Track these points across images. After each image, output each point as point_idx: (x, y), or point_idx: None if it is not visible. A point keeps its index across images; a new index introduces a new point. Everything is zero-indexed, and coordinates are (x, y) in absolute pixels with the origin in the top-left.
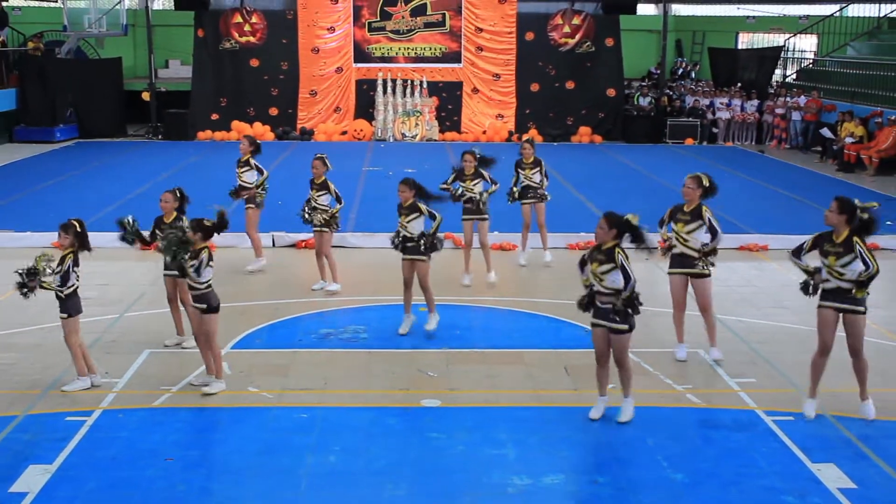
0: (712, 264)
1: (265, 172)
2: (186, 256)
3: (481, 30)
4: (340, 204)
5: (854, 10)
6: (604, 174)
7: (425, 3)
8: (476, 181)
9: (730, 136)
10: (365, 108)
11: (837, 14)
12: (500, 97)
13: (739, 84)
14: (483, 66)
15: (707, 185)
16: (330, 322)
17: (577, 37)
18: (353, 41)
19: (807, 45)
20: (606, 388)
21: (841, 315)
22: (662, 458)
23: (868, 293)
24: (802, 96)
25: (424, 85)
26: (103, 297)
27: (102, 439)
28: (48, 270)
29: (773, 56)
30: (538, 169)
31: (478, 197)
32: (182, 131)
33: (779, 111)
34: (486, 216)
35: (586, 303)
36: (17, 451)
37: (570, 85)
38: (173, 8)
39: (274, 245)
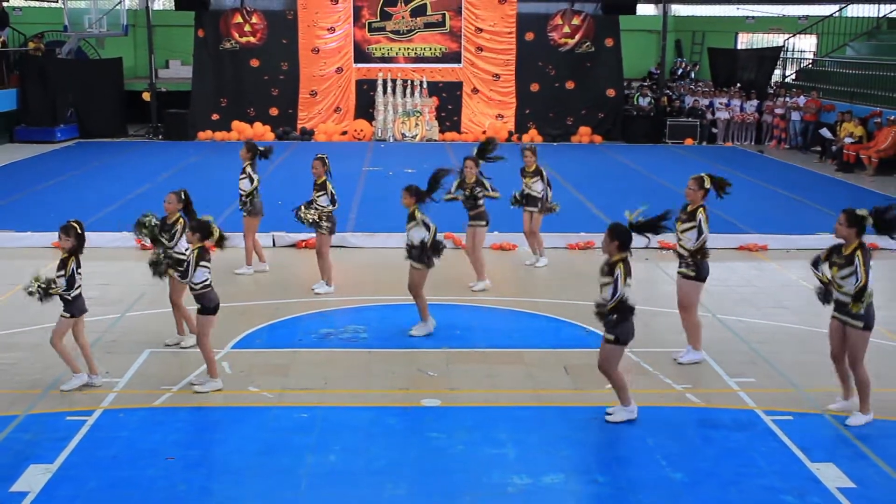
0: (693, 266)
1: (254, 181)
2: (159, 274)
3: (481, 30)
4: (334, 206)
5: (853, 11)
6: (603, 174)
7: (425, 4)
8: (478, 189)
9: (729, 137)
10: (365, 108)
11: (837, 14)
12: (500, 97)
13: (739, 84)
14: (483, 66)
15: (709, 186)
16: (330, 322)
17: (577, 37)
18: (353, 41)
19: (806, 45)
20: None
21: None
22: (662, 457)
23: (862, 310)
24: (802, 96)
25: (424, 85)
26: (104, 297)
27: (103, 439)
28: (53, 285)
29: (772, 56)
30: (539, 178)
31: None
32: (182, 131)
33: (778, 111)
34: (480, 222)
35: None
36: (17, 451)
37: (569, 85)
38: (174, 8)
39: (274, 245)
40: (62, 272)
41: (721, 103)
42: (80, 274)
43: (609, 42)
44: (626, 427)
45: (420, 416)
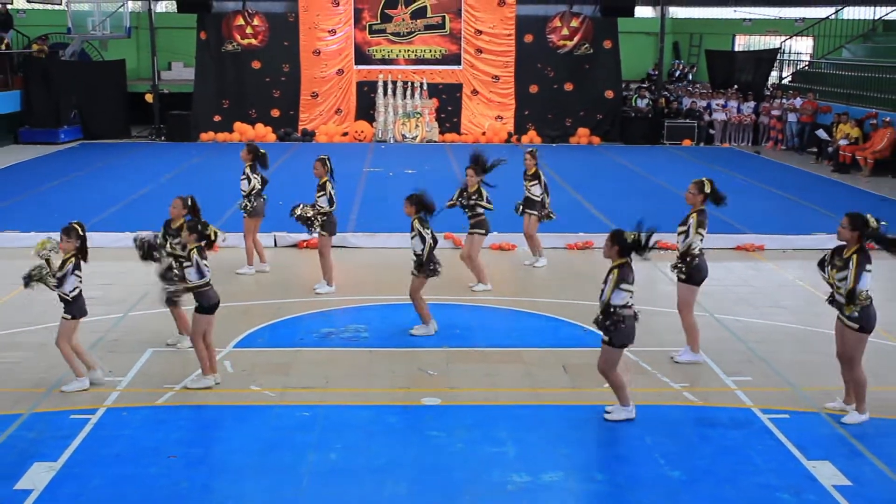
0: (684, 269)
1: (252, 182)
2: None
3: (481, 32)
4: (331, 207)
5: (849, 13)
6: (602, 175)
7: (425, 6)
8: (474, 198)
9: (726, 138)
10: (366, 109)
11: (833, 17)
12: (500, 99)
13: (736, 86)
14: (482, 68)
15: (708, 190)
16: (331, 321)
17: (576, 39)
18: (353, 43)
19: (803, 47)
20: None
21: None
22: (660, 455)
23: (855, 312)
24: (798, 98)
25: (424, 87)
26: (107, 297)
27: (106, 437)
28: (50, 264)
29: (769, 58)
30: (537, 182)
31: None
32: (185, 133)
33: (775, 113)
34: (479, 230)
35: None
36: (22, 449)
37: (568, 87)
38: (176, 11)
39: (276, 245)
40: (59, 272)
41: (718, 105)
42: (79, 276)
43: (607, 44)
44: (625, 425)
45: (420, 414)
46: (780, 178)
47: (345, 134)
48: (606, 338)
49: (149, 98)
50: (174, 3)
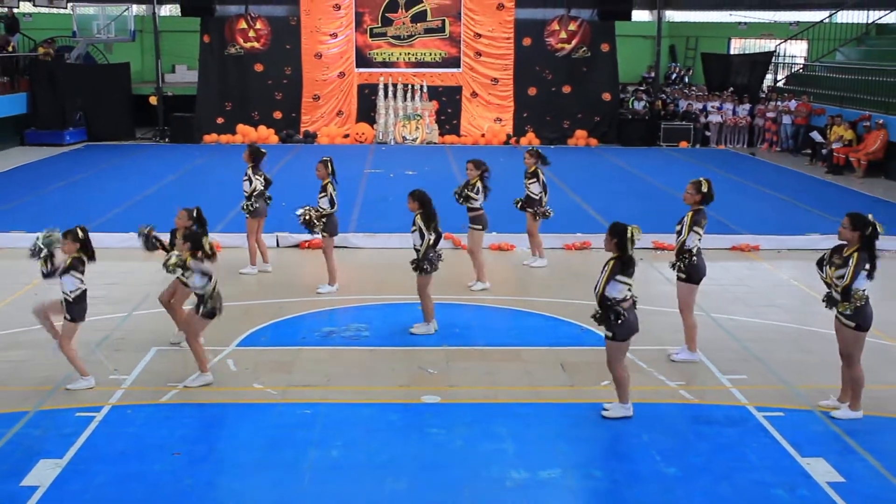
0: (681, 269)
1: (253, 183)
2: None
3: (480, 35)
4: (331, 208)
5: (843, 17)
6: (599, 176)
7: (425, 10)
8: (466, 190)
9: (722, 140)
10: (366, 111)
11: (827, 20)
12: (499, 101)
13: (732, 88)
14: (482, 70)
15: (706, 190)
16: (332, 320)
17: (574, 42)
18: (354, 46)
19: (797, 50)
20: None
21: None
22: (656, 452)
23: (849, 310)
24: (793, 100)
25: (425, 89)
26: (111, 296)
27: (111, 434)
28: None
29: (764, 61)
30: (535, 180)
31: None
32: (188, 134)
33: (770, 115)
34: (476, 226)
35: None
36: (28, 446)
37: (566, 89)
38: (180, 14)
39: (278, 245)
40: (56, 267)
41: (714, 107)
42: (79, 278)
43: (605, 47)
44: (622, 423)
45: (420, 412)
46: (775, 180)
47: (346, 136)
48: (610, 334)
49: (153, 100)
50: (178, 6)
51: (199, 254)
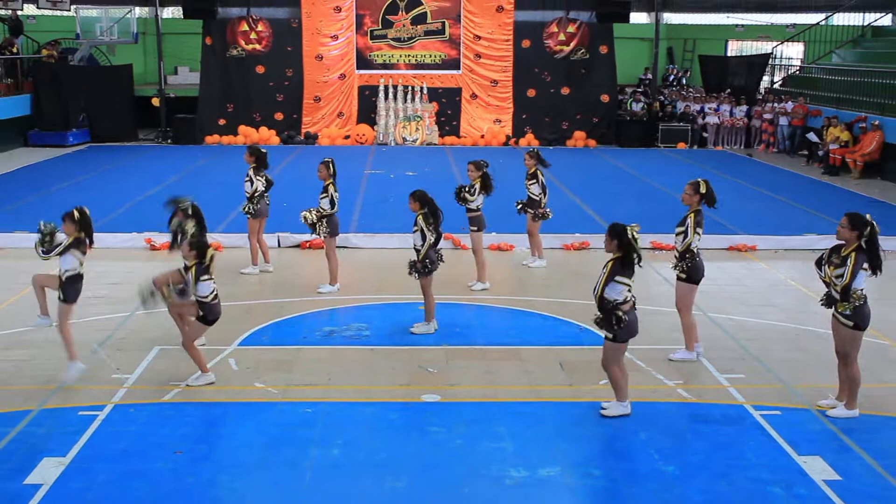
0: (684, 268)
1: (254, 184)
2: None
3: (479, 38)
4: (332, 209)
5: (839, 19)
6: (598, 177)
7: (426, 12)
8: (467, 190)
9: (719, 141)
10: (367, 113)
11: (823, 23)
12: (498, 102)
13: (729, 90)
14: (481, 72)
15: (704, 191)
16: (333, 320)
17: (572, 44)
18: (355, 49)
19: (794, 52)
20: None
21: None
22: (654, 451)
23: (848, 310)
24: (789, 102)
25: (425, 91)
26: (114, 296)
27: (114, 433)
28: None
29: (761, 63)
30: (535, 181)
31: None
32: (190, 136)
33: (767, 116)
34: (472, 227)
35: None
36: (32, 445)
37: (565, 91)
38: (182, 17)
39: (279, 245)
40: (53, 245)
41: (711, 108)
42: (78, 259)
43: (603, 49)
44: (620, 421)
45: (420, 411)
46: (772, 180)
47: (347, 137)
48: (610, 335)
49: (155, 102)
50: (180, 9)
51: (204, 261)
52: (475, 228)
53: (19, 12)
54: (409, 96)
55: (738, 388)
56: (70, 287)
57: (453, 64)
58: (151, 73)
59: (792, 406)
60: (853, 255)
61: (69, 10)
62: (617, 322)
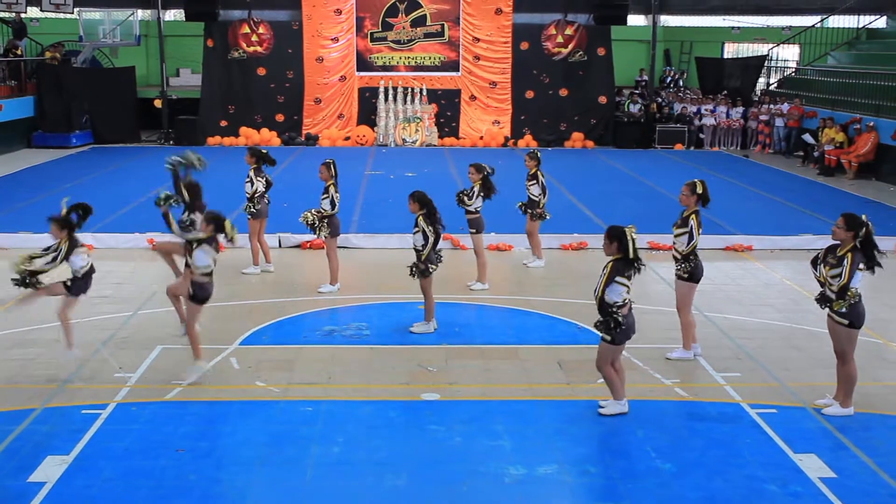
0: (686, 268)
1: (255, 185)
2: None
3: (478, 40)
4: (332, 209)
5: (834, 22)
6: (595, 178)
7: (425, 15)
8: (467, 192)
9: (716, 142)
10: (367, 114)
11: (819, 25)
12: (497, 104)
13: (725, 91)
14: (480, 74)
15: (701, 191)
16: (334, 319)
17: (570, 46)
18: (355, 51)
19: (789, 54)
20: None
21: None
22: (651, 448)
23: (844, 308)
24: (785, 103)
25: (424, 92)
26: (117, 296)
27: (117, 431)
28: (36, 263)
29: (757, 65)
30: (535, 182)
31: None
32: (192, 137)
33: (763, 117)
34: (471, 230)
35: None
36: (35, 443)
37: (563, 92)
38: (184, 19)
39: (280, 246)
40: (54, 252)
41: (708, 110)
42: (82, 255)
43: (601, 51)
44: (618, 420)
45: (420, 409)
46: (768, 181)
47: (347, 138)
48: (608, 338)
49: (158, 103)
50: (182, 11)
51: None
52: (474, 231)
53: (23, 15)
54: (408, 98)
55: (735, 387)
56: (80, 282)
57: (452, 66)
58: (154, 75)
59: (787, 404)
60: (849, 255)
61: (72, 13)
62: (615, 326)
